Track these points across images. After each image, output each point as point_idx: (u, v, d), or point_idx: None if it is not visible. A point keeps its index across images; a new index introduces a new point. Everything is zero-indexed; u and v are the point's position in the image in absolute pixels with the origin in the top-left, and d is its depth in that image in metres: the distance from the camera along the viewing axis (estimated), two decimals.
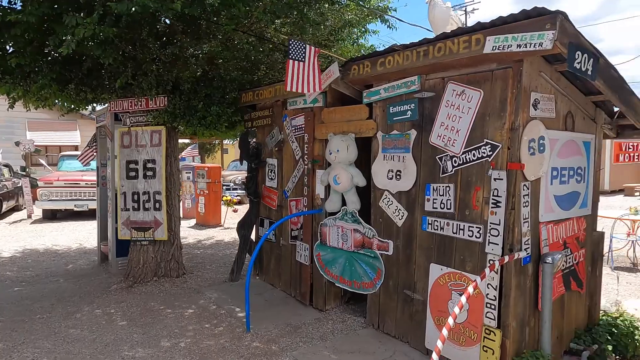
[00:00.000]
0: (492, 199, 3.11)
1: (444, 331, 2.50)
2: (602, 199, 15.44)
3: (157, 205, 5.57)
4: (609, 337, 3.67)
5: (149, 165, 5.60)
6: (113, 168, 6.02)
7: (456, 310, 2.60)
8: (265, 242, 5.66)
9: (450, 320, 2.55)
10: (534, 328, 3.25)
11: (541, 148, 3.13)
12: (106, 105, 6.02)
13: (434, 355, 2.44)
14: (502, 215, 3.06)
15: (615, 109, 3.83)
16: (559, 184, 3.39)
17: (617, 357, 3.79)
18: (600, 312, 4.14)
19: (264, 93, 5.28)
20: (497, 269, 3.07)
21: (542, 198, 3.24)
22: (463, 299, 2.64)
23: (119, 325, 4.32)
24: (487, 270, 2.82)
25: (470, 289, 2.68)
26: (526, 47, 2.75)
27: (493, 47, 2.92)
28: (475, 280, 3.21)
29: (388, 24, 5.87)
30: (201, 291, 5.36)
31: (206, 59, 5.12)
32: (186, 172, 12.14)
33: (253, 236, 5.93)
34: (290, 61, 3.75)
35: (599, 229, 4.03)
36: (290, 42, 3.76)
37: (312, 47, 3.89)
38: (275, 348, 3.79)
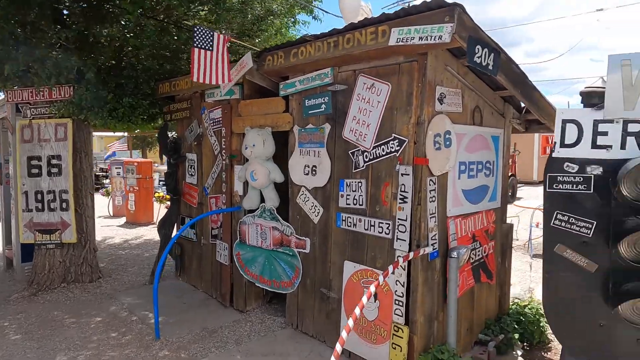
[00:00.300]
0: (400, 195, 3.07)
1: (343, 333, 2.41)
2: (531, 189, 16.39)
3: (64, 205, 5.10)
4: (517, 326, 3.78)
5: (54, 161, 5.11)
6: (16, 164, 5.44)
7: (357, 311, 2.51)
8: (187, 241, 5.37)
9: (350, 322, 2.46)
10: (442, 322, 3.26)
11: (447, 142, 3.12)
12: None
13: (332, 359, 2.34)
14: (408, 211, 3.02)
15: (523, 104, 3.93)
16: (467, 178, 3.41)
17: (525, 344, 3.93)
18: (513, 300, 4.29)
19: (181, 84, 4.97)
20: (404, 266, 3.03)
21: (450, 192, 3.24)
22: (364, 299, 2.56)
23: (12, 340, 3.89)
24: (390, 267, 2.76)
25: (372, 288, 2.61)
26: (427, 39, 2.70)
27: (397, 39, 2.85)
28: (382, 277, 3.17)
29: (313, 15, 5.72)
30: (115, 296, 4.99)
31: (114, 46, 4.71)
32: (116, 168, 11.42)
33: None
34: (196, 50, 3.50)
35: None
36: (195, 29, 3.50)
37: (222, 36, 3.66)
38: (185, 356, 3.56)
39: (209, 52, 3.56)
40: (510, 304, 4.12)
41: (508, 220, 4.08)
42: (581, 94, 2.96)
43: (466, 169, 3.39)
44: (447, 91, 3.10)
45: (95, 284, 5.39)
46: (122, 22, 4.38)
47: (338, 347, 2.36)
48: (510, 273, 4.10)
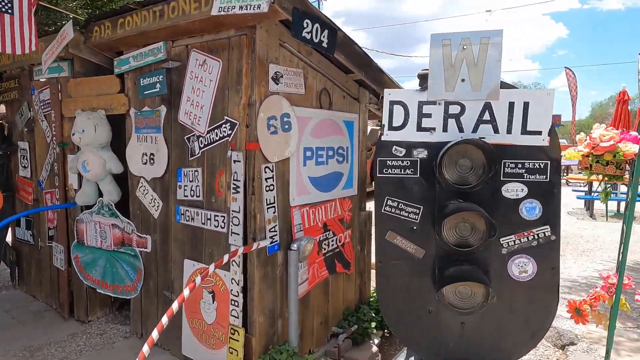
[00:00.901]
0: (233, 184, 2.77)
1: (154, 333, 2.07)
2: None
3: None
4: (375, 315, 3.73)
5: None
6: None
7: (164, 320, 2.18)
8: (24, 245, 4.61)
9: (155, 334, 2.11)
10: (288, 319, 3.05)
11: (286, 126, 2.88)
12: None
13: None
14: (242, 202, 2.74)
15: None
16: (315, 165, 3.22)
17: (386, 331, 3.91)
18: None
19: (3, 58, 4.18)
20: (238, 262, 2.75)
21: (294, 180, 3.02)
22: (175, 305, 2.23)
23: None
24: (211, 267, 2.46)
25: (186, 292, 2.29)
26: (247, 8, 2.41)
27: (219, 8, 2.52)
28: (223, 275, 2.88)
29: None
30: None
31: None
32: None
33: (9, 238, 4.79)
34: None
35: None
36: None
37: None
38: None
39: (7, 16, 2.93)
40: (372, 292, 4.08)
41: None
42: (418, 76, 2.90)
43: (313, 155, 3.19)
44: (284, 70, 2.85)
45: None
46: None
47: (144, 350, 2.01)
48: (370, 261, 4.05)
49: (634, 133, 2.10)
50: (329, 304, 3.50)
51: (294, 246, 2.89)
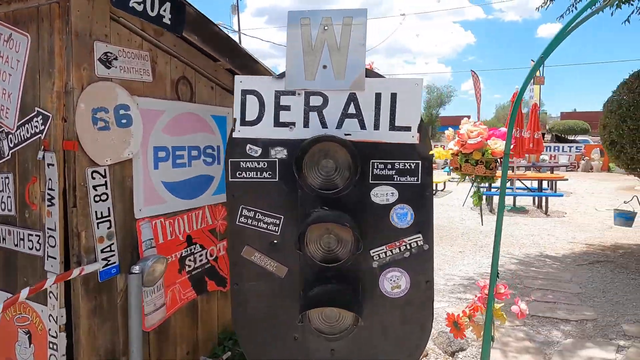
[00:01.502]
0: (48, 194, 2.17)
1: None
2: None
3: None
4: None
5: None
6: None
7: None
8: None
9: None
10: (130, 357, 2.51)
11: (123, 120, 2.33)
12: None
13: None
14: (58, 217, 2.15)
15: None
16: (173, 167, 2.70)
17: None
18: None
19: None
20: (56, 295, 2.16)
21: (140, 187, 2.48)
22: None
23: None
24: (1, 305, 1.85)
25: None
26: None
27: None
28: (40, 310, 2.25)
29: None
30: None
31: None
32: None
33: None
34: None
35: None
36: None
37: None
38: None
39: None
40: None
41: None
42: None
43: (169, 155, 2.67)
44: (119, 51, 2.30)
45: None
46: None
47: None
48: None
49: (503, 129, 1.91)
50: (199, 329, 3.00)
51: (136, 269, 2.35)
